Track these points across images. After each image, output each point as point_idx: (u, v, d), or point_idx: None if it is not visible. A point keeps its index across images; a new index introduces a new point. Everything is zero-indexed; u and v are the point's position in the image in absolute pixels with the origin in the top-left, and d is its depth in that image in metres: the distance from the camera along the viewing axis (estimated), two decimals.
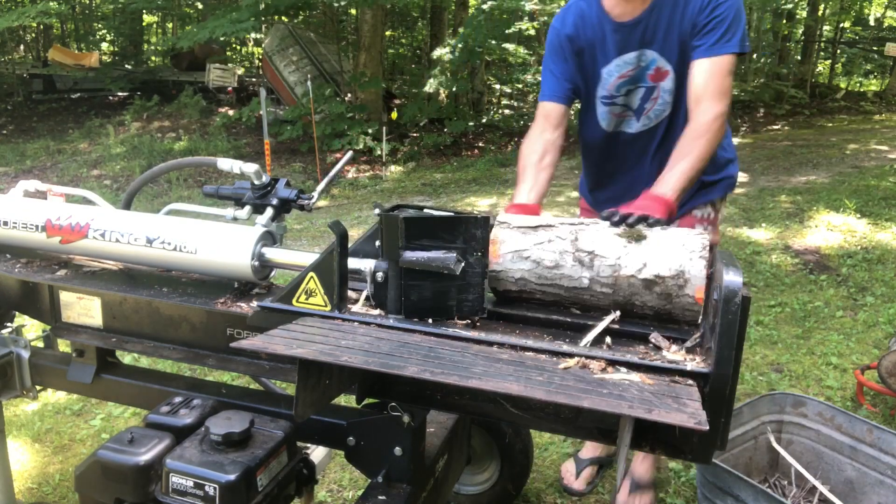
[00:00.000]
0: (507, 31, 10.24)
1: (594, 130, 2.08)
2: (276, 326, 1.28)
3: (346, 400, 1.49)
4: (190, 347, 1.65)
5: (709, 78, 1.78)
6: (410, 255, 1.30)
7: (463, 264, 1.30)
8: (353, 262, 1.39)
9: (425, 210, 1.44)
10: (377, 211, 1.37)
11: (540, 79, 2.12)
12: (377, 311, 1.37)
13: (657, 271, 1.24)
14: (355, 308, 1.39)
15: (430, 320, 1.33)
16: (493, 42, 10.21)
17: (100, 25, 18.63)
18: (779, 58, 16.13)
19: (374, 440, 1.49)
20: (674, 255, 1.25)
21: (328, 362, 1.13)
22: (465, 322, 1.33)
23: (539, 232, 1.33)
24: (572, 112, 2.08)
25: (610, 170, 2.15)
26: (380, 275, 1.35)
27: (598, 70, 1.97)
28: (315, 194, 1.67)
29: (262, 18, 11.28)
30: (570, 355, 1.18)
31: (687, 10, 1.81)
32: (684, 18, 1.82)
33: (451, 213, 1.37)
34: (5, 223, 1.68)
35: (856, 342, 3.67)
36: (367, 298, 1.40)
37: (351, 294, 1.45)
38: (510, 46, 10.67)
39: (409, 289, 1.32)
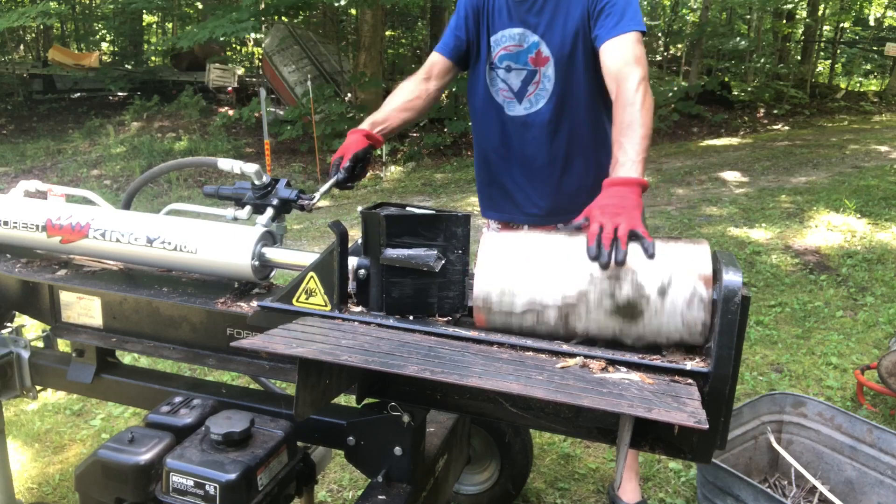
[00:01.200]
0: None
1: (484, 99, 2.05)
2: (277, 326, 1.28)
3: (346, 400, 1.49)
4: (190, 347, 1.65)
5: (620, 52, 1.75)
6: (391, 252, 1.31)
7: (443, 262, 1.31)
8: None
9: (407, 208, 1.44)
10: (360, 209, 1.37)
11: None
12: (359, 309, 1.38)
13: (654, 341, 1.21)
14: None
15: (412, 317, 1.33)
16: None
17: (100, 25, 18.61)
18: (779, 58, 16.13)
19: (374, 440, 1.49)
20: (672, 333, 1.18)
21: (328, 362, 1.13)
22: (446, 319, 1.34)
23: (526, 316, 1.24)
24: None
25: (503, 153, 2.08)
26: (362, 272, 1.36)
27: (492, 33, 1.98)
28: (317, 195, 1.67)
29: (262, 18, 11.27)
30: (570, 355, 1.19)
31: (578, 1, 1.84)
32: (571, 6, 1.84)
33: (433, 212, 1.37)
34: (6, 223, 1.68)
35: (856, 342, 3.67)
36: (350, 296, 1.41)
37: None
38: None
39: (391, 286, 1.33)
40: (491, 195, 2.17)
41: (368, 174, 9.43)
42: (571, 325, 1.22)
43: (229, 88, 13.29)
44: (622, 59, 1.73)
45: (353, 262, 1.37)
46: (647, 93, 1.65)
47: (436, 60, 2.05)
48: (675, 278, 1.16)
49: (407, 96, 2.00)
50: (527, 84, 1.96)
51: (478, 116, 2.11)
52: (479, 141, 2.15)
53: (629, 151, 1.51)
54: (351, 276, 1.37)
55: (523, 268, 1.24)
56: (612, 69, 1.74)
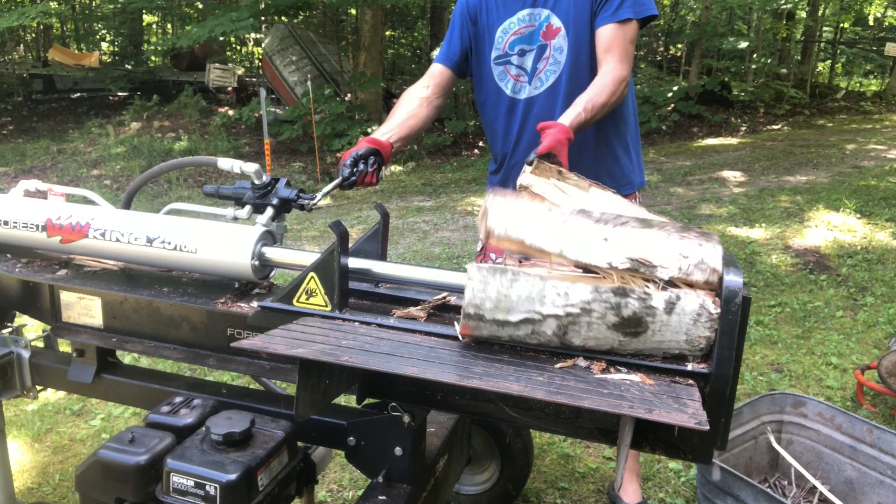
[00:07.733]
0: None
1: (494, 97, 2.07)
2: (277, 326, 1.28)
3: (346, 400, 1.49)
4: (190, 347, 1.65)
5: (613, 41, 1.85)
6: None
7: None
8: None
9: None
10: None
11: None
12: None
13: (651, 355, 1.18)
14: None
15: None
16: None
17: (100, 25, 18.61)
18: (779, 58, 16.13)
19: (375, 440, 1.49)
20: (672, 348, 1.15)
21: (329, 362, 1.13)
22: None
23: (521, 328, 1.16)
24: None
25: (513, 141, 2.09)
26: None
27: (493, 30, 2.00)
28: (318, 195, 1.67)
29: (262, 18, 11.27)
30: (571, 356, 1.18)
31: None
32: None
33: None
34: (6, 223, 1.68)
35: (856, 342, 3.67)
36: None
37: None
38: None
39: None
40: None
41: None
42: (568, 338, 1.16)
43: (229, 88, 13.29)
44: (613, 49, 1.84)
45: None
46: (624, 91, 1.81)
47: (436, 71, 2.08)
48: (685, 292, 1.11)
49: (411, 104, 2.00)
50: (537, 61, 1.96)
51: (488, 114, 2.11)
52: (494, 140, 2.14)
53: (576, 111, 1.69)
54: None
55: (527, 272, 1.13)
56: (603, 49, 1.86)
